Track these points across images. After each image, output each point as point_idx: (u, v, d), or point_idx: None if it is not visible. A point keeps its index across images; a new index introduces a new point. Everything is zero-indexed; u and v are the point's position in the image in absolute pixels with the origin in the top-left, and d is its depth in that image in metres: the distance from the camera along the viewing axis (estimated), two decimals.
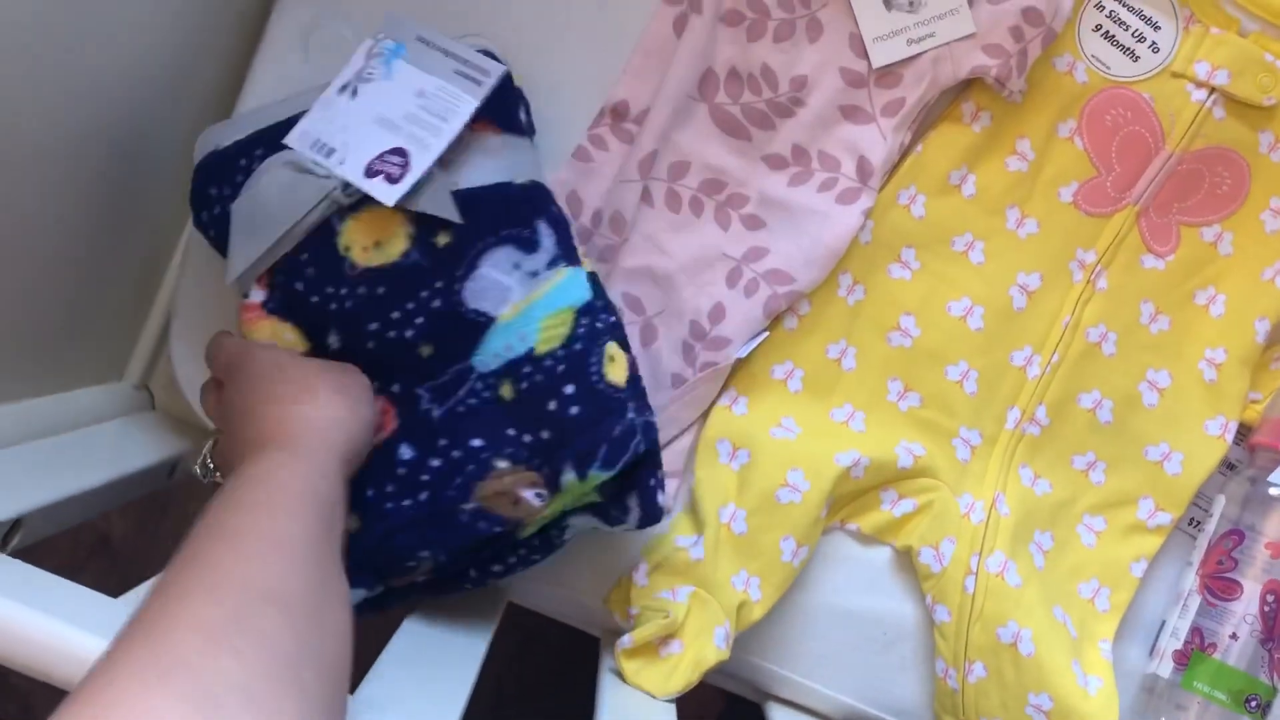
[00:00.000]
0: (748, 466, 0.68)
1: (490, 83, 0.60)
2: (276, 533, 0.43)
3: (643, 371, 0.63)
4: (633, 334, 0.68)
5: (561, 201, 0.67)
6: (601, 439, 0.56)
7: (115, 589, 0.51)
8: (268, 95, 0.67)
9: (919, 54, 0.67)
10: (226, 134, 0.61)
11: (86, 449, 0.64)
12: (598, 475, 0.56)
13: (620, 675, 0.66)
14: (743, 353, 0.68)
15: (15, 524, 0.52)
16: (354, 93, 0.60)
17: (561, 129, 0.69)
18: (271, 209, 0.57)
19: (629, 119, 0.69)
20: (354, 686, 0.53)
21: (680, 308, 0.69)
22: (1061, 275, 0.70)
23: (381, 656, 0.57)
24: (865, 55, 0.67)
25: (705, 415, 0.70)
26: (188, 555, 0.40)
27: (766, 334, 0.69)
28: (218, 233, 0.60)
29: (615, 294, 0.69)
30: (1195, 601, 0.67)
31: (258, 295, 0.58)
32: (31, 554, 0.52)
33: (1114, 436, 0.70)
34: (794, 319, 0.70)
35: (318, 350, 0.59)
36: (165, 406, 0.76)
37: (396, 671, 0.56)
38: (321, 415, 0.52)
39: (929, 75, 0.67)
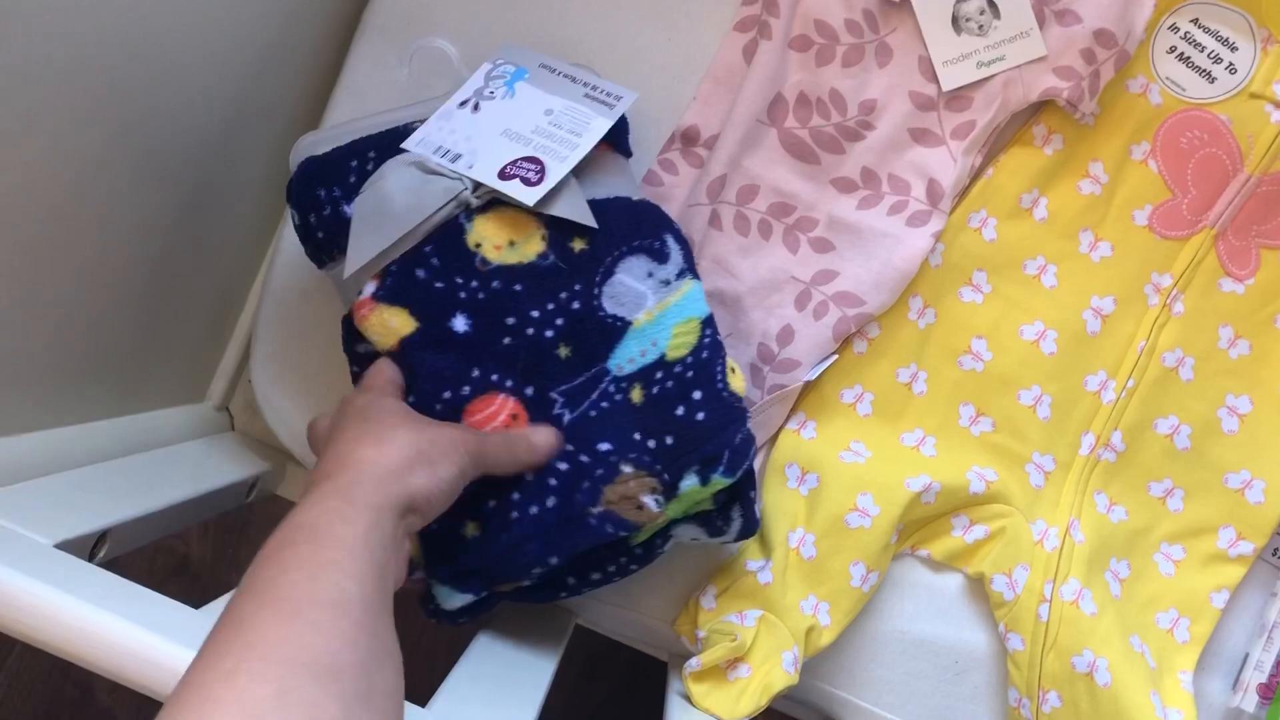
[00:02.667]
0: (816, 491, 0.67)
1: (621, 106, 0.62)
2: (326, 596, 0.41)
3: None
4: None
5: None
6: (725, 445, 0.58)
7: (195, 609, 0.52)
8: (350, 114, 0.69)
9: (989, 77, 0.67)
10: (323, 142, 0.62)
11: (169, 467, 0.66)
12: (720, 481, 0.57)
13: (688, 699, 0.66)
14: (811, 375, 0.68)
15: (102, 536, 0.54)
16: (475, 107, 0.62)
17: (634, 153, 0.70)
18: (397, 206, 0.58)
19: (699, 144, 0.69)
20: (425, 700, 0.53)
21: (749, 330, 0.69)
22: (1136, 299, 0.69)
23: (452, 673, 0.58)
24: (935, 79, 0.68)
25: (773, 439, 0.70)
26: (236, 618, 0.39)
27: (835, 357, 0.69)
28: (326, 234, 0.61)
29: None
30: None
31: (369, 289, 0.59)
32: (114, 571, 0.54)
33: (1192, 463, 0.69)
34: (863, 342, 0.69)
35: (434, 332, 0.58)
36: (244, 428, 0.78)
37: (467, 689, 0.57)
38: (384, 461, 0.50)
39: (999, 98, 0.67)
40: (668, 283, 0.61)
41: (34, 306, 0.56)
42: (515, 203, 0.59)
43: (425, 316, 0.59)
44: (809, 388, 0.69)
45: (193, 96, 0.62)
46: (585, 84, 0.63)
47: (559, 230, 0.60)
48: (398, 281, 0.59)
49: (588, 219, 0.60)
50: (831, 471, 0.68)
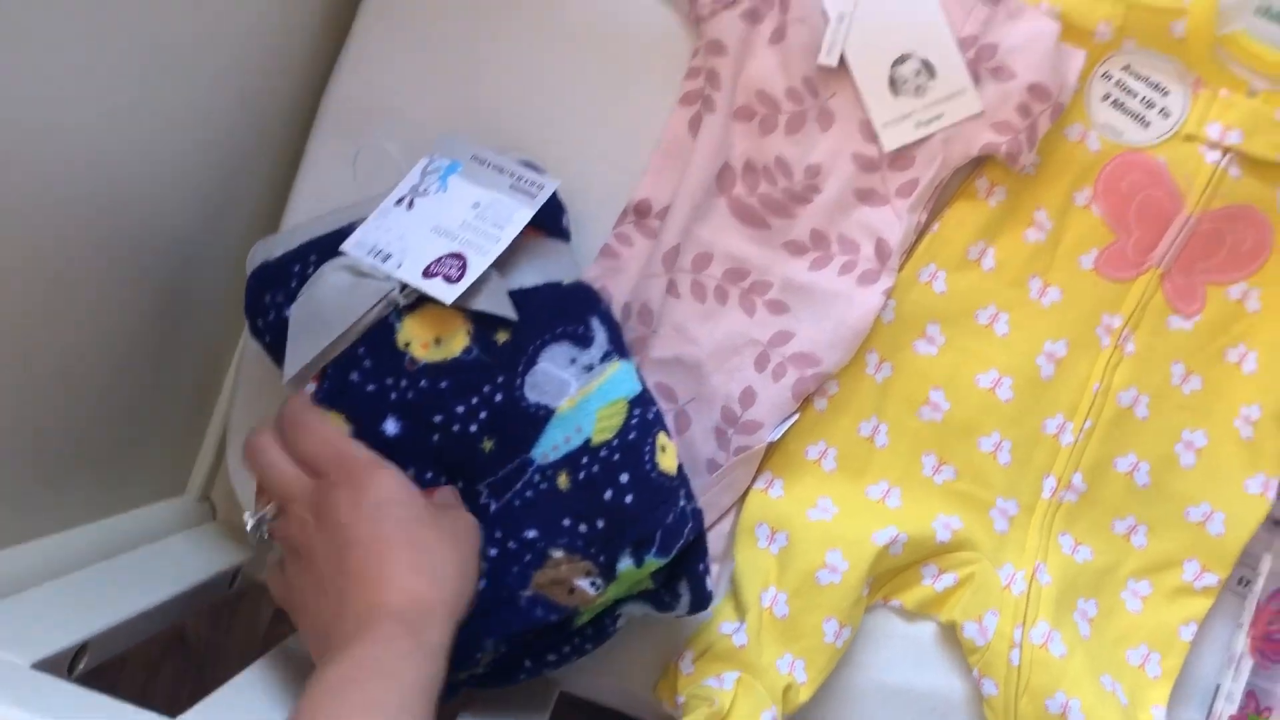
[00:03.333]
0: (786, 549, 0.69)
1: (543, 195, 0.64)
2: None
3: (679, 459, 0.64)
4: (668, 422, 0.70)
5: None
6: (656, 526, 0.58)
7: (193, 685, 0.53)
8: (310, 212, 0.71)
9: (929, 136, 0.69)
10: (277, 246, 0.64)
11: (151, 566, 0.67)
12: (654, 562, 0.58)
13: None
14: (774, 436, 0.69)
15: (82, 648, 0.55)
16: (410, 204, 0.63)
17: (590, 229, 0.72)
18: (329, 310, 0.60)
19: (652, 215, 0.71)
20: None
21: (711, 394, 0.71)
22: (1089, 341, 0.71)
23: None
24: (876, 140, 0.69)
25: (742, 499, 0.71)
26: None
27: (797, 416, 0.70)
28: (273, 338, 0.62)
29: (649, 384, 0.70)
30: (1248, 664, 0.66)
31: (309, 389, 0.61)
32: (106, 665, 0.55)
33: (1153, 499, 0.70)
34: (824, 400, 0.71)
35: (367, 435, 0.60)
36: (227, 516, 0.79)
37: None
38: (445, 599, 0.50)
39: (940, 156, 0.69)
40: (590, 368, 0.62)
41: (4, 415, 0.57)
42: (438, 300, 0.61)
43: (359, 421, 0.60)
44: (774, 447, 0.71)
45: (160, 191, 0.63)
46: (512, 174, 0.65)
47: (483, 324, 0.61)
48: (333, 385, 0.60)
49: (508, 311, 0.61)
50: (800, 529, 0.69)
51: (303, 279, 0.62)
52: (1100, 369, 0.70)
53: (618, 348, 0.63)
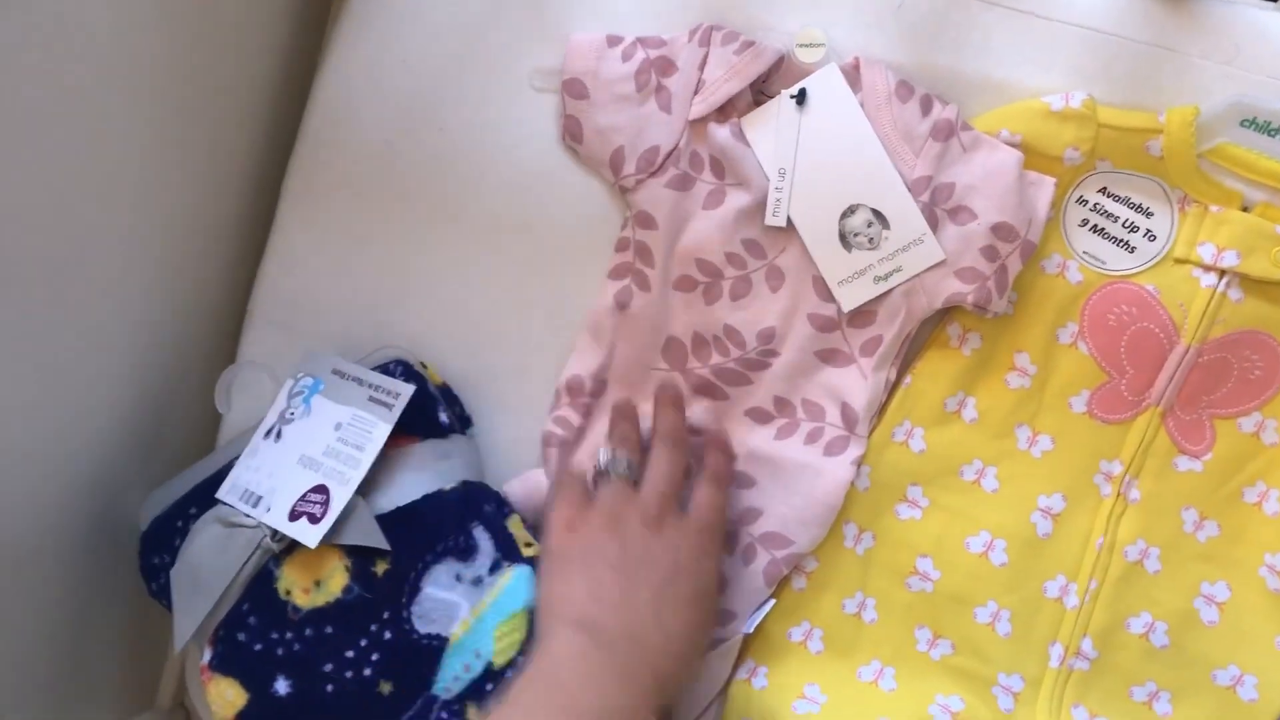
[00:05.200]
0: None
1: (399, 405, 0.60)
2: None
3: None
4: None
5: (546, 488, 0.65)
6: None
7: None
8: (249, 419, 0.68)
9: (889, 290, 0.63)
10: (163, 499, 0.62)
11: None
12: None
13: None
14: (748, 628, 0.64)
15: None
16: (278, 435, 0.61)
17: (530, 412, 0.67)
18: (206, 569, 0.58)
19: (585, 393, 0.66)
20: None
21: None
22: (1087, 492, 0.64)
23: None
24: (832, 298, 0.64)
25: (724, 692, 0.66)
26: None
27: (773, 602, 0.65)
28: (168, 602, 0.60)
29: None
30: None
31: (205, 655, 0.59)
32: None
33: (1174, 662, 0.64)
34: (802, 578, 0.66)
35: (262, 700, 0.58)
36: None
37: None
38: (690, 675, 0.57)
39: (903, 309, 0.63)
40: (479, 581, 0.58)
41: None
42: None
43: (252, 686, 0.58)
44: (756, 631, 0.66)
45: (92, 437, 0.61)
46: (370, 385, 0.61)
47: (360, 556, 0.58)
48: (225, 648, 0.58)
49: (378, 540, 0.57)
50: None
51: (184, 535, 0.59)
52: (1103, 522, 0.64)
53: (507, 553, 0.59)
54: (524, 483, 0.66)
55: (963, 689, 0.65)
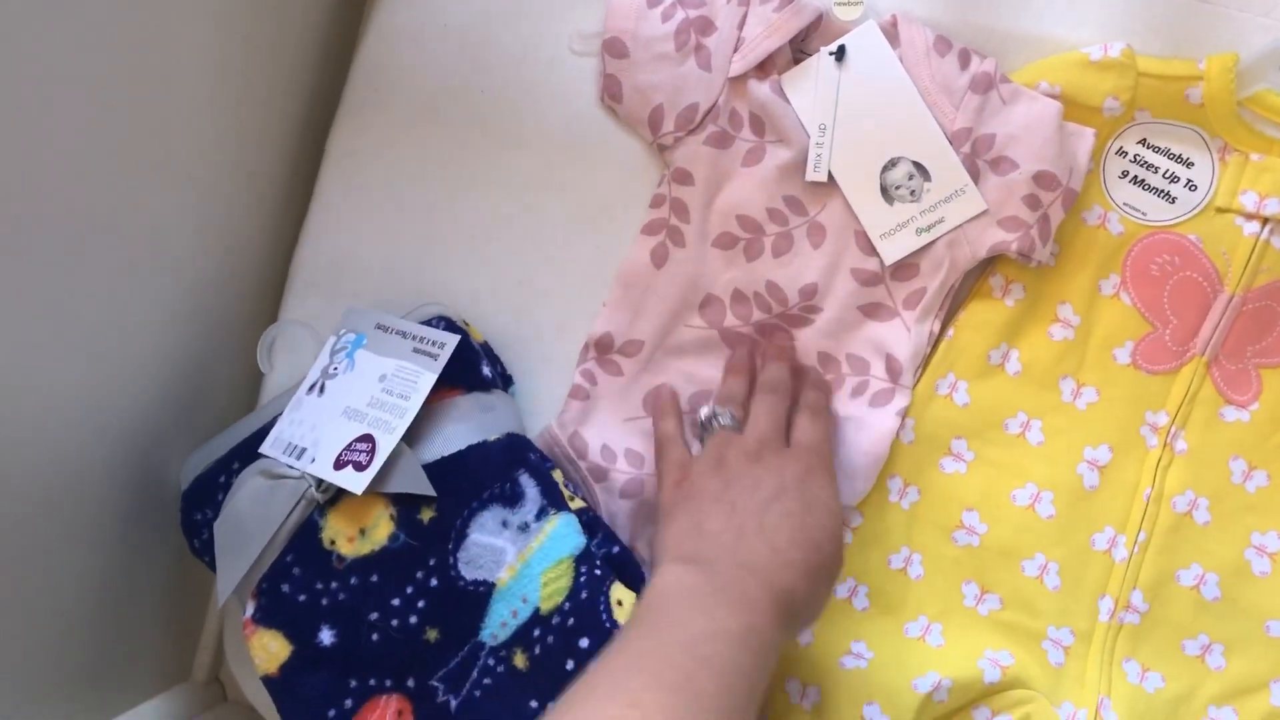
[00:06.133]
0: (820, 706, 0.63)
1: (445, 355, 0.60)
2: None
3: None
4: None
5: (567, 444, 0.65)
6: None
7: None
8: (290, 379, 0.68)
9: (932, 242, 0.63)
10: (205, 457, 0.62)
11: None
12: None
13: None
14: None
15: None
16: (321, 390, 0.61)
17: (567, 368, 0.67)
18: (250, 521, 0.58)
19: (614, 350, 0.66)
20: None
21: None
22: (1134, 443, 0.64)
23: None
24: (875, 252, 0.64)
25: None
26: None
27: None
28: (210, 558, 0.60)
29: (647, 532, 0.66)
30: None
31: (249, 609, 0.58)
32: None
33: (1227, 614, 0.63)
34: (847, 533, 0.65)
35: (305, 652, 0.58)
36: (238, 697, 0.76)
37: None
38: (818, 606, 0.55)
39: (946, 261, 0.64)
40: (526, 527, 0.58)
41: None
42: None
43: (296, 638, 0.57)
44: None
45: (138, 395, 0.62)
46: (414, 337, 0.61)
47: (405, 505, 0.58)
48: (269, 600, 0.58)
49: (424, 488, 0.57)
50: (833, 683, 0.63)
51: (227, 490, 0.59)
52: (1150, 473, 0.64)
53: (553, 500, 0.59)
54: (539, 440, 0.66)
55: (1012, 643, 0.64)
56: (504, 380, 0.66)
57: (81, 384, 0.58)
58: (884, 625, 0.65)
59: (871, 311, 0.65)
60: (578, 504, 0.61)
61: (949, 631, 0.64)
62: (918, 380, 0.65)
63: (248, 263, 0.70)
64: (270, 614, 0.58)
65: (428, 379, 0.59)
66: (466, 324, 0.65)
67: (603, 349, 0.66)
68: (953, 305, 0.66)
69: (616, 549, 0.60)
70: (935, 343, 0.65)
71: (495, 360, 0.66)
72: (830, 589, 0.56)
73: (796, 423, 0.61)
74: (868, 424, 0.64)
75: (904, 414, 0.64)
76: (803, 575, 0.53)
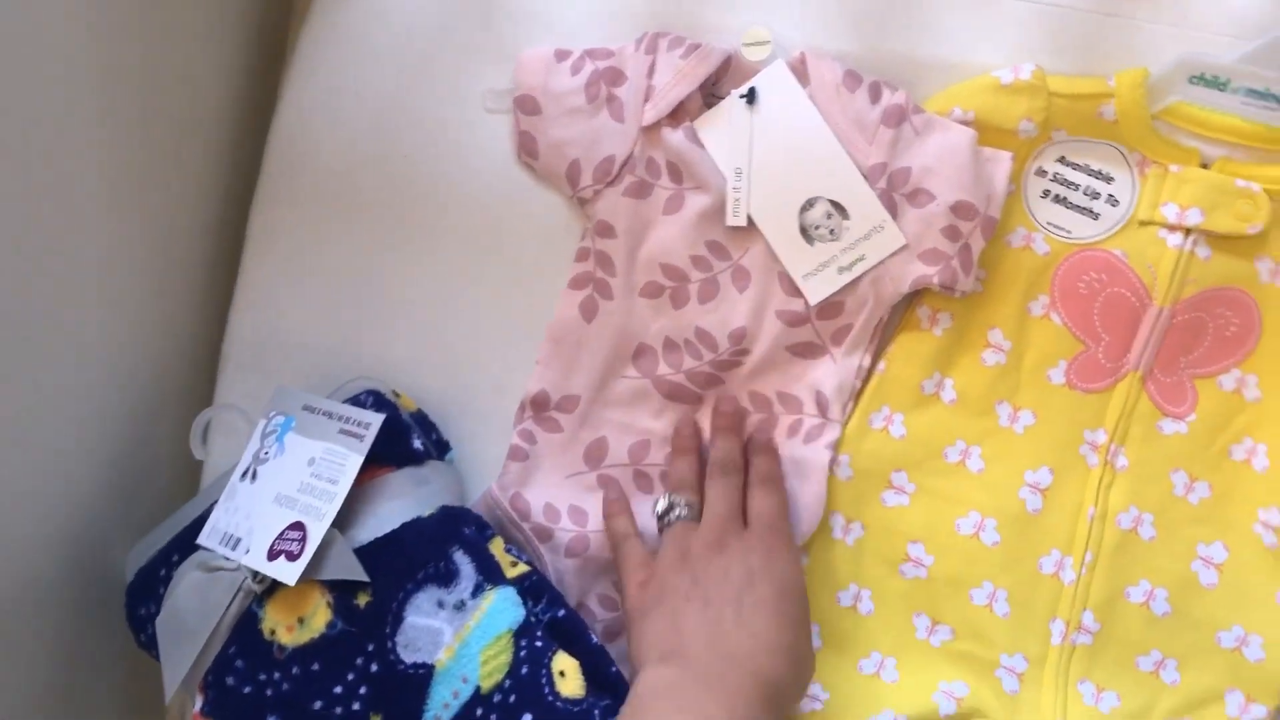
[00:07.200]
0: None
1: (370, 434, 0.59)
2: None
3: None
4: None
5: (508, 506, 0.65)
6: None
7: None
8: (228, 462, 0.68)
9: (855, 280, 0.63)
10: (147, 549, 0.62)
11: None
12: None
13: None
14: None
15: None
16: (254, 476, 0.61)
17: (508, 427, 0.67)
18: (190, 616, 0.58)
19: (551, 407, 0.66)
20: None
21: None
22: (1074, 464, 0.64)
23: None
24: (799, 293, 0.64)
25: None
26: None
27: None
28: (157, 652, 0.60)
29: (605, 587, 0.66)
30: None
31: (198, 703, 0.58)
32: None
33: (1178, 627, 0.63)
34: None
35: None
36: None
37: None
38: (800, 686, 0.56)
39: (871, 297, 0.63)
40: (462, 605, 0.58)
41: None
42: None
43: None
44: None
45: (67, 501, 0.61)
46: (339, 418, 0.61)
47: (342, 590, 0.58)
48: (215, 694, 0.58)
49: (357, 573, 0.57)
50: None
51: (168, 583, 0.59)
52: (1092, 492, 0.64)
53: (489, 575, 0.59)
54: (480, 504, 0.66)
55: (966, 674, 0.64)
56: (439, 448, 0.66)
57: (18, 491, 0.58)
58: (838, 664, 0.65)
59: (801, 350, 0.65)
60: (520, 569, 0.61)
61: (903, 665, 0.64)
62: (849, 416, 0.65)
63: (179, 349, 0.70)
64: (218, 707, 0.58)
65: (355, 461, 0.59)
66: (398, 394, 0.65)
67: (539, 407, 0.66)
68: (882, 339, 0.65)
69: (562, 612, 0.60)
70: (866, 377, 0.65)
71: (430, 428, 0.66)
72: (811, 667, 0.57)
73: (752, 497, 0.61)
74: (804, 462, 0.64)
75: (834, 446, 0.64)
76: (786, 658, 0.54)
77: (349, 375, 0.66)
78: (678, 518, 0.61)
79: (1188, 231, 0.62)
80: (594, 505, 0.66)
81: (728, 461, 0.63)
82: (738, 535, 0.59)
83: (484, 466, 0.67)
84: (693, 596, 0.57)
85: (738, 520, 0.60)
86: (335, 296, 0.68)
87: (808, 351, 0.65)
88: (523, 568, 0.61)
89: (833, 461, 0.64)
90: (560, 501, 0.66)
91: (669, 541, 0.60)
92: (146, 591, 0.61)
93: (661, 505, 0.62)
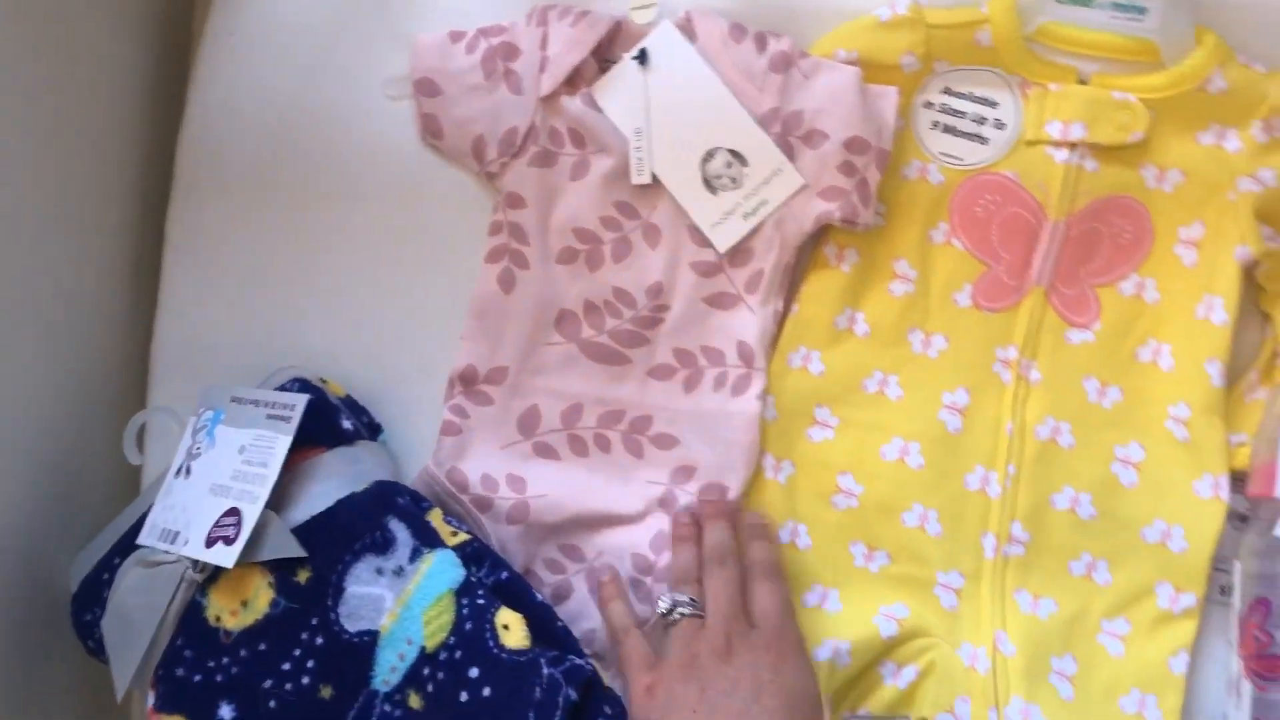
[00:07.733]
0: None
1: (296, 415, 0.60)
2: None
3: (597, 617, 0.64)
4: (577, 583, 0.66)
5: (446, 480, 0.66)
6: (527, 708, 0.54)
7: None
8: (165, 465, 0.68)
9: (760, 224, 0.65)
10: (90, 556, 0.63)
11: None
12: None
13: None
14: None
15: None
16: (188, 472, 0.61)
17: (438, 407, 0.68)
18: (135, 612, 0.58)
19: (480, 381, 0.67)
20: None
21: (619, 546, 0.67)
22: (989, 381, 0.66)
23: None
24: (709, 243, 0.65)
25: None
26: None
27: None
28: (106, 656, 0.60)
29: (549, 551, 0.67)
30: (1247, 689, 0.61)
31: (150, 699, 0.59)
32: None
33: (1104, 529, 0.65)
34: None
35: None
36: None
37: None
38: None
39: (777, 240, 0.65)
40: (401, 571, 0.59)
41: None
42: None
43: (198, 719, 0.58)
44: None
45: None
46: (265, 404, 0.62)
47: (282, 570, 0.59)
48: (167, 687, 0.58)
49: (294, 550, 0.58)
50: None
51: (111, 586, 0.60)
52: (1009, 407, 0.66)
53: (426, 540, 0.60)
54: (417, 481, 0.67)
55: (905, 595, 0.65)
56: (371, 430, 0.67)
57: None
58: None
59: (717, 301, 0.66)
60: (461, 537, 0.62)
61: (846, 595, 0.66)
62: (770, 359, 0.66)
63: (109, 357, 0.70)
64: (170, 700, 0.58)
65: (283, 442, 0.60)
66: (324, 381, 0.66)
67: (468, 381, 0.67)
68: (793, 282, 0.67)
69: (505, 574, 0.61)
70: (782, 320, 0.67)
71: (360, 411, 0.67)
72: None
73: (753, 592, 0.61)
74: (734, 414, 0.65)
75: (763, 395, 0.66)
76: None
77: (272, 370, 0.67)
78: (682, 616, 0.61)
79: (1073, 146, 0.65)
80: (531, 473, 0.67)
81: (723, 551, 0.62)
82: (744, 639, 0.58)
83: (418, 447, 0.68)
84: (700, 709, 0.56)
85: (742, 620, 0.59)
86: (258, 293, 0.69)
87: (724, 301, 0.66)
88: (464, 536, 0.62)
89: (763, 409, 0.65)
90: (498, 472, 0.67)
91: (675, 644, 0.60)
92: (91, 598, 0.62)
93: (664, 605, 0.61)
